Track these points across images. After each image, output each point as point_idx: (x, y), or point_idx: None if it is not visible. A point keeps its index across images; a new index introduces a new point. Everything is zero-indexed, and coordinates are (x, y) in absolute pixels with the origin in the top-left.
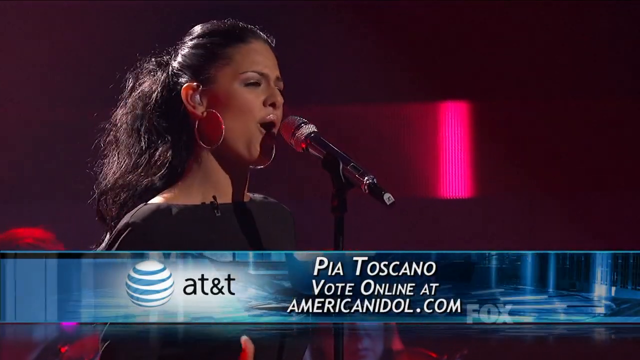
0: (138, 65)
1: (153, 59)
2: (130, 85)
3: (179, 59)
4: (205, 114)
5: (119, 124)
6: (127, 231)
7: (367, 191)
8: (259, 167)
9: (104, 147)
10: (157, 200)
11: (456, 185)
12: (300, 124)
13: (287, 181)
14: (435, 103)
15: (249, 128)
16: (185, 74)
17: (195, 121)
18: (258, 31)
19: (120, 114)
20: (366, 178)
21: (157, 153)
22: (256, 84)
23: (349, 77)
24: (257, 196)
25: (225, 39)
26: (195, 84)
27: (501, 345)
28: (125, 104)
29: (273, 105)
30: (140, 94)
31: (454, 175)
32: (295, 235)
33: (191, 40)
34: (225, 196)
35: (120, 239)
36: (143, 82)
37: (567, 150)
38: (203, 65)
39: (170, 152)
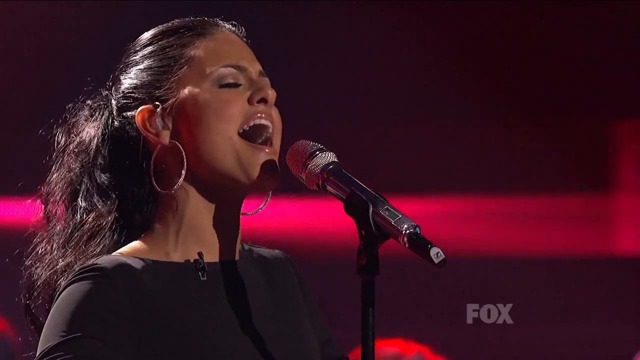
0: (67, 117)
1: (89, 102)
2: (62, 142)
3: (124, 85)
4: (172, 142)
5: (49, 197)
6: (86, 273)
7: (407, 245)
8: (262, 192)
9: (34, 235)
10: (119, 253)
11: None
12: (315, 151)
13: (294, 227)
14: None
15: (232, 138)
16: (136, 99)
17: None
18: (220, 21)
19: (52, 183)
20: (405, 227)
21: (89, 219)
22: (234, 84)
23: (374, 88)
24: (243, 248)
25: (179, 38)
26: (152, 105)
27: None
28: (58, 168)
29: (263, 101)
30: (76, 147)
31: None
32: (308, 291)
33: (134, 55)
34: (212, 251)
35: (74, 282)
36: (79, 133)
37: None
38: (157, 79)
39: (111, 217)
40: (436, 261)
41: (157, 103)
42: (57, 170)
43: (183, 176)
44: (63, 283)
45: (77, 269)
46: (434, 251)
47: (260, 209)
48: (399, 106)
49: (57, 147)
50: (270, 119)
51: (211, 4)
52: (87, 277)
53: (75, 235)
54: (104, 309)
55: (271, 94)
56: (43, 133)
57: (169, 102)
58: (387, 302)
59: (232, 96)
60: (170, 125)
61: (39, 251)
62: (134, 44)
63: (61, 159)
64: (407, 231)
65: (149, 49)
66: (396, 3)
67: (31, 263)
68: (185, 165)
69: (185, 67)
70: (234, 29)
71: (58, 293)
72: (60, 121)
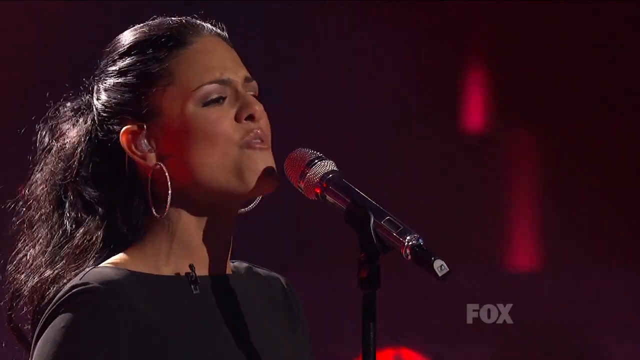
0: (50, 114)
1: (68, 104)
2: (45, 142)
3: (103, 96)
4: (159, 166)
5: (31, 199)
6: (77, 298)
7: (409, 257)
8: (262, 195)
9: (15, 233)
10: (109, 263)
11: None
12: (314, 159)
13: (295, 241)
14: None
15: (230, 153)
16: (118, 115)
17: (147, 174)
18: (200, 22)
19: (35, 184)
20: (408, 238)
21: (78, 235)
22: (219, 99)
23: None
24: (241, 265)
25: (158, 49)
26: (136, 125)
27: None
28: (41, 169)
29: (251, 118)
30: (59, 152)
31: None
32: (304, 322)
33: (113, 64)
34: (204, 265)
35: (64, 312)
36: (61, 136)
37: None
38: (138, 97)
39: (100, 233)
40: (440, 274)
41: (140, 123)
42: (40, 171)
43: (169, 202)
44: (54, 299)
45: (68, 287)
46: (437, 264)
47: (251, 207)
48: (403, 112)
49: (39, 145)
50: (261, 133)
51: (210, 4)
52: (78, 306)
53: (65, 247)
54: (93, 346)
55: (258, 110)
56: (22, 132)
57: (152, 121)
58: (387, 303)
59: (219, 115)
60: (156, 147)
61: (23, 256)
62: (110, 49)
63: (44, 160)
64: (410, 243)
65: (127, 60)
66: (397, 3)
67: (14, 269)
68: (170, 188)
69: (166, 85)
70: (215, 29)
71: (48, 312)
72: (42, 119)
